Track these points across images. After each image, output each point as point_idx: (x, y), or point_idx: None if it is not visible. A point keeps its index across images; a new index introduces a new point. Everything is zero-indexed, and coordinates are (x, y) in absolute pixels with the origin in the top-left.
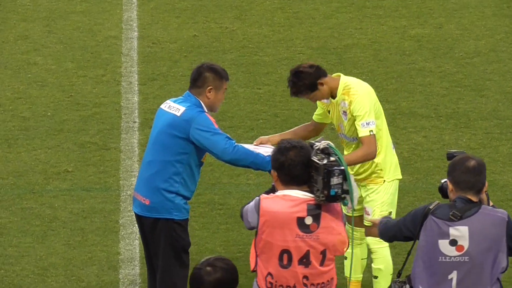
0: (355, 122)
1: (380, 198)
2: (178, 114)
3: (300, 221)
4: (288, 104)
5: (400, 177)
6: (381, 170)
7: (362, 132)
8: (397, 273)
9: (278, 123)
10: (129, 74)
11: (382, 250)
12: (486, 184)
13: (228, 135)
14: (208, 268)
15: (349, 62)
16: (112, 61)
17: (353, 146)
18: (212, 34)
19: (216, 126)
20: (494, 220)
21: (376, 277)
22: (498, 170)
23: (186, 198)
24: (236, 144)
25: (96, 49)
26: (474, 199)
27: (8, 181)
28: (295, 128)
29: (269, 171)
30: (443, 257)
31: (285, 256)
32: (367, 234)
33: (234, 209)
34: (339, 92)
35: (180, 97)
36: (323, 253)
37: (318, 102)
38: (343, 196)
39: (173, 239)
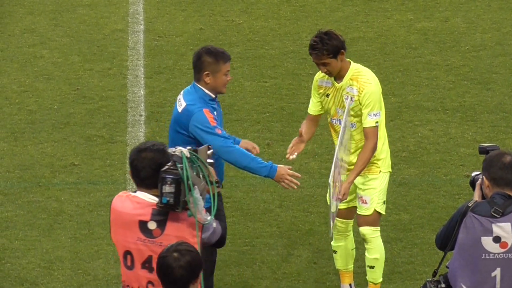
0: (363, 111)
1: (378, 186)
2: (180, 110)
3: (143, 225)
4: (295, 97)
5: (391, 170)
6: (378, 160)
7: (369, 122)
8: (433, 272)
9: (284, 117)
10: (135, 68)
11: (376, 240)
12: None
13: (226, 134)
14: (175, 254)
15: (356, 55)
16: (118, 54)
17: (352, 132)
18: (218, 28)
19: (213, 124)
20: None
21: (372, 267)
22: None
23: None
24: (232, 145)
25: (102, 42)
26: None
27: (14, 175)
28: (304, 129)
29: (266, 177)
30: (486, 254)
31: (129, 257)
32: (362, 223)
33: (241, 202)
34: (347, 76)
35: (189, 86)
36: None
37: (314, 90)
38: (177, 206)
39: None
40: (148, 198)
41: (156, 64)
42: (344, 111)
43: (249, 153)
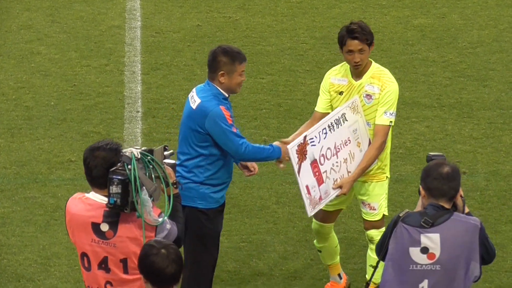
0: (379, 108)
1: (384, 191)
2: (194, 107)
3: (95, 227)
4: (291, 94)
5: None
6: (385, 166)
7: (383, 120)
8: (366, 284)
9: (281, 113)
10: (132, 64)
11: None
12: (461, 190)
13: (239, 132)
14: (163, 251)
15: None
16: (116, 50)
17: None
18: (215, 24)
19: (230, 122)
20: (467, 228)
21: (376, 267)
22: (501, 160)
23: (216, 186)
24: (248, 143)
25: (99, 38)
26: (447, 205)
27: (11, 171)
28: (305, 126)
29: (277, 158)
30: (414, 265)
31: (85, 259)
32: (369, 228)
33: (237, 199)
34: (368, 74)
35: (202, 84)
36: (124, 261)
37: (327, 86)
38: (125, 207)
39: (196, 227)
40: (100, 199)
41: (153, 61)
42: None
43: (257, 145)
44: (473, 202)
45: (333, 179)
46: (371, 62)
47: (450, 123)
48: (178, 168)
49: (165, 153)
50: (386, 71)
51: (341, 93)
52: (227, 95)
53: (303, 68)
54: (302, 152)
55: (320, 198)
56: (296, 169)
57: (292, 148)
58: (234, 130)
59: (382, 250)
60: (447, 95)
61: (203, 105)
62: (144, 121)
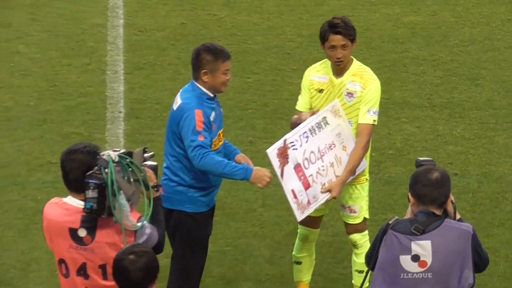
0: (362, 107)
1: (365, 194)
2: (175, 108)
3: (73, 232)
4: (278, 93)
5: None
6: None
7: (367, 119)
8: None
9: (267, 113)
10: (114, 63)
11: (366, 244)
12: (451, 196)
13: (206, 142)
14: (131, 256)
15: None
16: (98, 49)
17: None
18: (200, 22)
19: (199, 128)
20: (459, 234)
21: (361, 271)
22: (493, 161)
23: (204, 189)
24: (207, 154)
25: (81, 37)
26: (437, 212)
27: None
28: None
29: (242, 179)
30: (405, 274)
31: (63, 266)
32: (352, 232)
33: (222, 201)
34: (349, 72)
35: (187, 85)
36: (103, 267)
37: (307, 84)
38: (102, 212)
39: (184, 231)
40: (77, 203)
41: (136, 60)
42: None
43: (222, 159)
44: (465, 204)
45: (321, 183)
46: (353, 59)
47: (442, 124)
48: (165, 171)
49: (145, 155)
50: (368, 69)
51: (321, 91)
52: (212, 95)
53: (290, 67)
54: (283, 155)
55: (309, 203)
56: (278, 173)
57: (272, 152)
58: (201, 138)
59: (371, 259)
60: (438, 95)
61: (182, 107)
62: (127, 122)
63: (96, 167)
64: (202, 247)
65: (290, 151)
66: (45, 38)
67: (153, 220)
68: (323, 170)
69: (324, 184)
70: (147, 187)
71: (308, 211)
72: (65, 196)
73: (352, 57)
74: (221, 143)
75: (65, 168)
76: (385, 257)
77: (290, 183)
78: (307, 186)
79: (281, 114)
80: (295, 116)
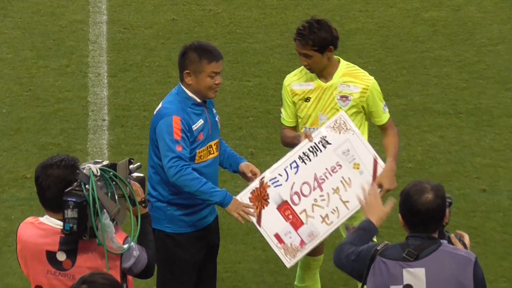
0: (373, 109)
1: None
2: (155, 112)
3: (51, 256)
4: None
5: None
6: None
7: (386, 116)
8: None
9: (270, 121)
10: (97, 65)
11: None
12: (448, 213)
13: (184, 153)
14: (83, 286)
15: (353, 50)
16: (78, 49)
17: None
18: (193, 18)
19: (176, 137)
20: (458, 261)
21: None
22: None
23: (186, 207)
24: (185, 168)
25: (59, 35)
26: (433, 234)
27: None
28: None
29: (218, 203)
30: None
31: None
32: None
33: (220, 221)
34: (338, 73)
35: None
36: None
37: (289, 96)
38: (83, 233)
39: (164, 253)
40: (55, 223)
41: (121, 61)
42: (328, 116)
43: (201, 177)
44: (495, 224)
45: (320, 216)
46: (339, 60)
47: (467, 133)
48: (148, 184)
49: (131, 166)
50: (357, 67)
51: (307, 99)
52: (199, 100)
53: (295, 69)
54: (260, 198)
55: (302, 243)
56: (254, 220)
57: (242, 197)
58: (178, 148)
59: (341, 265)
60: (463, 100)
61: (160, 112)
62: (111, 130)
63: (75, 183)
64: (186, 272)
65: (270, 190)
66: (19, 36)
67: (141, 241)
68: (323, 200)
69: (326, 215)
70: (133, 202)
71: (302, 253)
72: (42, 215)
73: (338, 58)
74: (212, 156)
75: (41, 185)
76: (373, 287)
77: (272, 227)
78: (298, 225)
79: None
80: (289, 134)
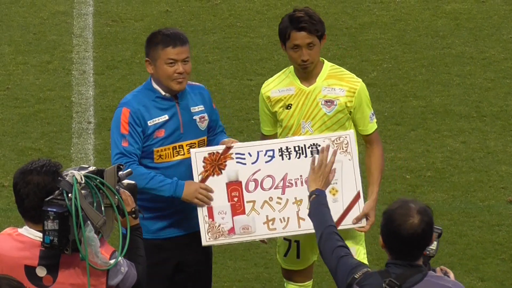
0: (358, 116)
1: (362, 233)
2: None
3: (30, 271)
4: None
5: None
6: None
7: (373, 126)
8: None
9: None
10: (82, 61)
11: None
12: (436, 242)
13: (130, 149)
14: None
15: (366, 46)
16: (61, 44)
17: None
18: (189, 10)
19: (123, 131)
20: None
21: None
22: None
23: (149, 211)
24: (129, 165)
25: (39, 28)
26: (417, 261)
27: None
28: None
29: (172, 197)
30: None
31: None
32: None
33: None
34: (322, 76)
35: None
36: None
37: (266, 106)
38: (65, 247)
39: None
40: (34, 235)
41: (109, 57)
42: (312, 123)
43: (149, 171)
44: None
45: (267, 216)
46: (323, 61)
47: (492, 138)
48: None
49: (120, 173)
50: (343, 69)
51: (289, 106)
52: (163, 93)
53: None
54: (214, 163)
55: (231, 231)
56: (196, 180)
57: (197, 153)
58: (124, 143)
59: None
60: (488, 102)
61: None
62: (98, 134)
63: (57, 192)
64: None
65: (230, 163)
66: None
67: (130, 255)
68: (278, 203)
69: (274, 220)
70: (122, 213)
71: (225, 241)
72: (21, 226)
73: (322, 58)
74: (181, 157)
75: (19, 193)
76: None
77: (211, 197)
78: (238, 211)
79: None
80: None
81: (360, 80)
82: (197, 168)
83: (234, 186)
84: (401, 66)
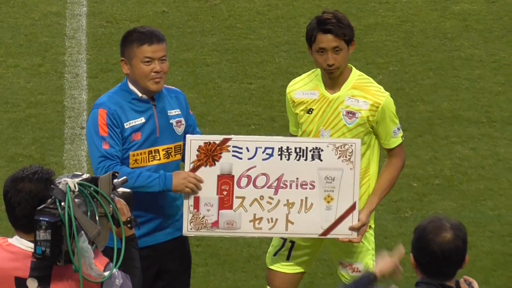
0: (382, 129)
1: (370, 246)
2: None
3: (20, 283)
4: None
5: None
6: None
7: (396, 140)
8: None
9: (275, 130)
10: (75, 64)
11: None
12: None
13: (111, 151)
14: None
15: (371, 48)
16: (53, 46)
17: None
18: (186, 10)
19: (102, 133)
20: None
21: None
22: None
23: None
24: (111, 168)
25: (31, 29)
26: (450, 283)
27: None
28: None
29: (163, 190)
30: None
31: None
32: None
33: (216, 246)
34: (347, 85)
35: None
36: None
37: (289, 106)
38: (57, 258)
39: None
40: (26, 246)
41: (103, 59)
42: (330, 132)
43: (133, 170)
44: None
45: (254, 214)
46: (351, 68)
47: (503, 144)
48: None
49: (115, 181)
50: (371, 80)
51: (310, 111)
52: (140, 94)
53: (304, 70)
54: (209, 153)
55: (215, 225)
56: (187, 168)
57: (193, 140)
58: (105, 146)
59: None
60: (498, 107)
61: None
62: None
63: (49, 200)
64: None
65: (226, 155)
66: None
67: (126, 267)
68: (269, 203)
69: (261, 219)
70: (117, 223)
71: (207, 234)
72: (11, 236)
73: (350, 65)
74: (157, 162)
75: (10, 201)
76: None
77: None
78: (225, 206)
79: None
80: None
81: (386, 94)
82: (190, 156)
83: (225, 180)
84: (407, 69)
